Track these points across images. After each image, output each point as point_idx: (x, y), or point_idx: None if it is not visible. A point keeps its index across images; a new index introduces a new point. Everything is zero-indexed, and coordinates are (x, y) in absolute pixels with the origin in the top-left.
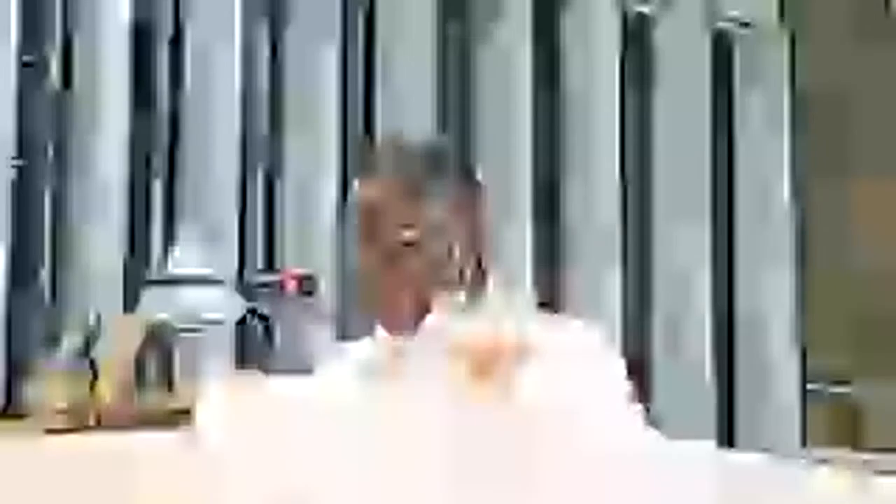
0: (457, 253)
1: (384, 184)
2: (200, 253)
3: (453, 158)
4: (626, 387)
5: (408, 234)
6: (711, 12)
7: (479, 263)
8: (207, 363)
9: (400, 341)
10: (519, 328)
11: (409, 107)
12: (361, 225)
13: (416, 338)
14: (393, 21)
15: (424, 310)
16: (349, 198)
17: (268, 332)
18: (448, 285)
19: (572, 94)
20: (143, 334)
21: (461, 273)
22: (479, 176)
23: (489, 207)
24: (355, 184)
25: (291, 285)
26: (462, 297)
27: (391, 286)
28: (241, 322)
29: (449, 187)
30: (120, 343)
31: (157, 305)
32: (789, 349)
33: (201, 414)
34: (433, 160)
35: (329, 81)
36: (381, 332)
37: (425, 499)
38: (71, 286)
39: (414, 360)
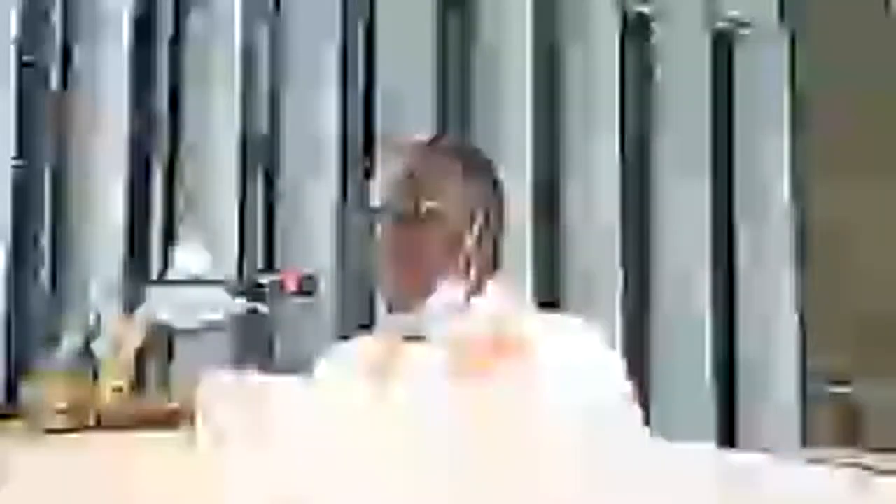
0: (469, 241)
1: (421, 155)
2: (200, 253)
3: (479, 152)
4: (626, 387)
5: (430, 204)
6: (711, 12)
7: (488, 258)
8: (207, 363)
9: (398, 342)
10: (519, 328)
11: (409, 107)
12: (386, 192)
13: (415, 337)
14: (393, 21)
15: (430, 290)
16: (382, 165)
17: (268, 332)
18: (456, 271)
19: (572, 94)
20: (143, 334)
21: (469, 261)
22: (498, 176)
23: (508, 208)
24: (388, 156)
25: (291, 285)
26: (468, 286)
27: (404, 257)
28: (241, 322)
29: (476, 177)
30: (120, 343)
31: (157, 305)
32: (789, 349)
33: (201, 414)
34: (471, 149)
35: (329, 81)
36: (382, 328)
37: (426, 498)
38: (71, 286)
39: (413, 359)
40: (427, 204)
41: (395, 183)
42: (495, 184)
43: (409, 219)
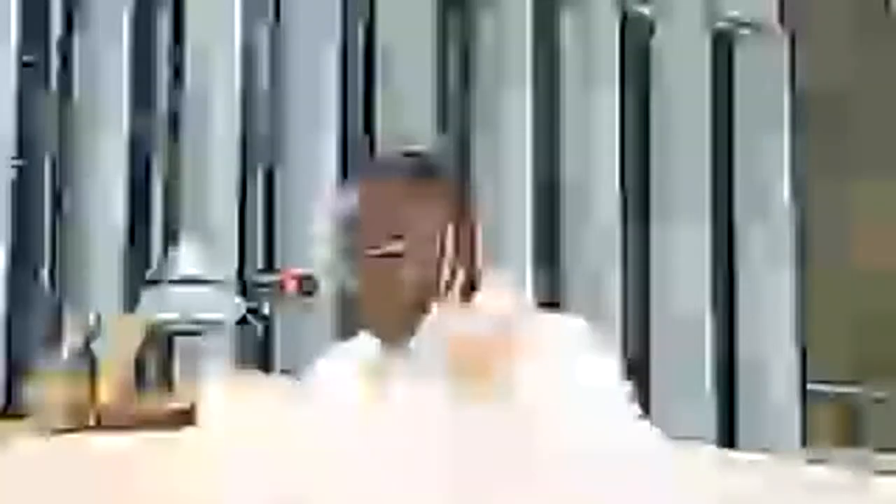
0: (447, 261)
1: (376, 192)
2: (200, 253)
3: (448, 166)
4: (626, 386)
5: (397, 246)
6: (711, 12)
7: (472, 270)
8: (207, 363)
9: (397, 344)
10: (518, 327)
11: (409, 107)
12: (355, 233)
13: (414, 338)
14: (393, 21)
15: (419, 315)
16: (340, 205)
17: (268, 332)
18: (439, 292)
19: (572, 94)
20: (143, 334)
21: (452, 280)
22: (473, 182)
23: (482, 214)
24: (344, 193)
25: (291, 285)
26: (455, 302)
27: (385, 293)
28: (241, 322)
29: (441, 195)
30: (120, 343)
31: (157, 305)
32: (789, 349)
33: (201, 414)
34: (426, 168)
35: (329, 81)
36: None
37: (424, 498)
38: (71, 286)
39: (413, 359)
40: (400, 245)
41: (364, 224)
42: (466, 190)
43: (386, 263)
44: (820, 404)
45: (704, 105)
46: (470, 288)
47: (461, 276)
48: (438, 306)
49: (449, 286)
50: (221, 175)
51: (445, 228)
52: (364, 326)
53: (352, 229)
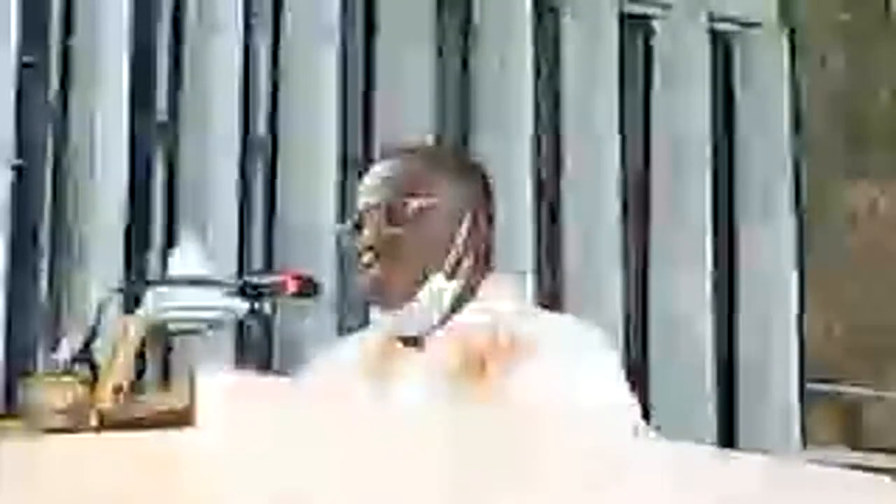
0: (459, 240)
1: (410, 160)
2: (200, 253)
3: (469, 155)
4: (626, 387)
5: (417, 202)
6: (711, 12)
7: (479, 258)
8: (207, 363)
9: (400, 340)
10: (518, 327)
11: (409, 107)
12: (370, 197)
13: (415, 337)
14: (393, 21)
15: (418, 288)
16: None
17: (268, 332)
18: (445, 271)
19: (572, 94)
20: (143, 334)
21: (459, 260)
22: (489, 178)
23: (496, 207)
24: (375, 166)
25: (291, 285)
26: (457, 285)
27: (391, 256)
28: (241, 322)
29: (470, 177)
30: (120, 343)
31: (157, 305)
32: (789, 349)
33: (201, 414)
34: (460, 152)
35: (329, 81)
36: (378, 328)
37: (424, 498)
38: (71, 286)
39: (413, 359)
40: (414, 202)
41: (382, 182)
42: (485, 187)
43: (397, 217)
44: (820, 404)
45: (705, 105)
46: (477, 273)
47: (466, 263)
48: (436, 290)
49: (458, 262)
50: (221, 175)
51: (465, 207)
52: (368, 293)
53: (377, 189)
